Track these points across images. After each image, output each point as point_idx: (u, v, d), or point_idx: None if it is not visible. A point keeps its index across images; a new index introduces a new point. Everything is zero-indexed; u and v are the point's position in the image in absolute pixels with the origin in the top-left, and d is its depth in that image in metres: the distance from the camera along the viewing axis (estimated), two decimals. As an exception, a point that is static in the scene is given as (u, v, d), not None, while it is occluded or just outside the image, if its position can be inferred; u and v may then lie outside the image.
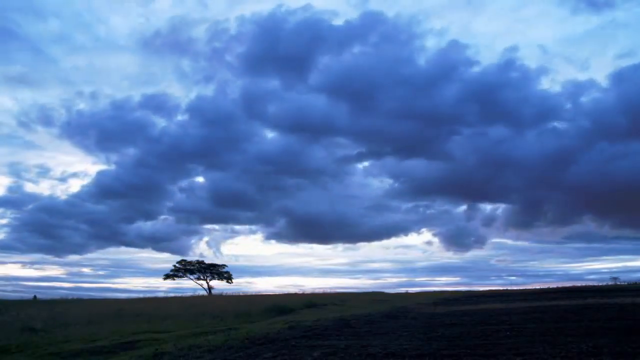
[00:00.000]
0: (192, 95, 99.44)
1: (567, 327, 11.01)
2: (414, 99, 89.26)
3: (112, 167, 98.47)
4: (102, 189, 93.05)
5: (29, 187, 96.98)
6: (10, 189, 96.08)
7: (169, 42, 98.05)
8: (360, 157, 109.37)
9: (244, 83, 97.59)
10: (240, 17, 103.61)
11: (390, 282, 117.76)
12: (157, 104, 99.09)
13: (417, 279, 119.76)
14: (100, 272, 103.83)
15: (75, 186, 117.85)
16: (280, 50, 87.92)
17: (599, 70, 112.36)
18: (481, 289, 61.60)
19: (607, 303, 19.29)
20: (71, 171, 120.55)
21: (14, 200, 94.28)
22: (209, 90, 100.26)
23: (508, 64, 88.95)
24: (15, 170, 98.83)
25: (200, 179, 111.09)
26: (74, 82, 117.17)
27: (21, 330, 15.03)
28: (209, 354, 9.08)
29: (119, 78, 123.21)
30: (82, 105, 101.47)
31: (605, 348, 7.64)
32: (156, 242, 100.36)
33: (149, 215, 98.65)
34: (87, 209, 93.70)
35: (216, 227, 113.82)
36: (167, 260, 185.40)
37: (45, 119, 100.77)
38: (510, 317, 14.61)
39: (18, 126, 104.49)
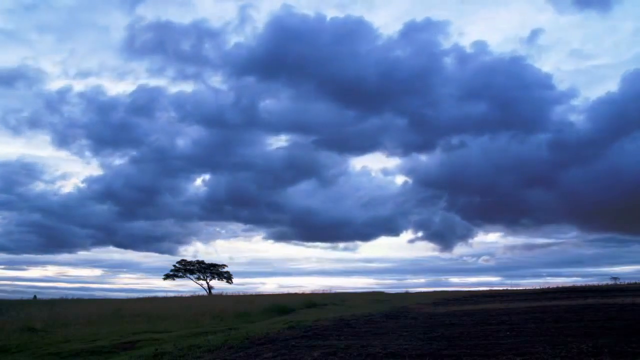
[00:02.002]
0: (187, 95, 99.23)
1: (567, 327, 11.01)
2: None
3: (109, 168, 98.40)
4: (98, 190, 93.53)
5: (22, 189, 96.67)
6: (2, 190, 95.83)
7: (161, 43, 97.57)
8: (360, 155, 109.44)
9: (242, 83, 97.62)
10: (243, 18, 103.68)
11: (388, 283, 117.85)
12: (153, 105, 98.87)
13: (414, 280, 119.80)
14: (99, 273, 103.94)
15: (69, 188, 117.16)
16: (280, 51, 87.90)
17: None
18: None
19: (607, 303, 19.29)
20: (67, 173, 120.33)
21: (8, 202, 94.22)
22: (204, 90, 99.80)
23: (514, 62, 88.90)
24: (6, 172, 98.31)
25: (197, 179, 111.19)
26: (67, 83, 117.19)
27: (21, 330, 15.03)
28: (209, 354, 9.08)
29: (112, 78, 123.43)
30: (73, 107, 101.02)
31: (605, 348, 7.64)
32: (154, 242, 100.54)
33: (146, 216, 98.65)
34: (83, 210, 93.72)
35: (214, 227, 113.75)
36: (166, 260, 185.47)
37: (36, 120, 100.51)
38: (510, 317, 14.61)
39: (7, 128, 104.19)
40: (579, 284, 55.20)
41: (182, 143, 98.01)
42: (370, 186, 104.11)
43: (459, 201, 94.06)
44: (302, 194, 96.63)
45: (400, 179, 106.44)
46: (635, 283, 52.52)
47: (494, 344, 8.79)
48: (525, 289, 55.80)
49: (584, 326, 11.13)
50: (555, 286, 54.64)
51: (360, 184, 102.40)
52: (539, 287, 56.41)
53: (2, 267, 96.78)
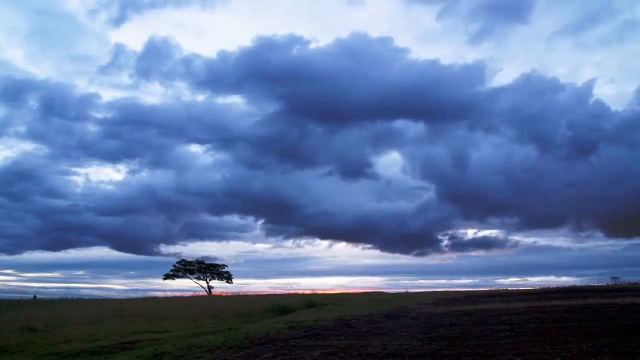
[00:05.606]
0: (183, 102, 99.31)
1: (567, 327, 11.01)
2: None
3: (106, 170, 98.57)
4: (96, 192, 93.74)
5: (21, 190, 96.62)
6: (6, 193, 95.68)
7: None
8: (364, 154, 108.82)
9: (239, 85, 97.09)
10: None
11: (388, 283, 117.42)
12: (151, 114, 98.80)
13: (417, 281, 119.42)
14: (99, 273, 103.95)
15: (67, 189, 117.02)
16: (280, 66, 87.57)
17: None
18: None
19: (607, 303, 19.30)
20: (65, 174, 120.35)
21: (7, 203, 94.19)
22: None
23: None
24: (6, 173, 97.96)
25: (198, 179, 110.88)
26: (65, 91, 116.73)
27: (21, 330, 15.03)
28: (209, 354, 9.08)
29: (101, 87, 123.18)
30: (71, 114, 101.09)
31: (605, 348, 7.65)
32: (153, 243, 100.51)
33: (145, 217, 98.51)
34: (81, 211, 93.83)
35: (213, 226, 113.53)
36: (165, 260, 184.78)
37: (36, 125, 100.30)
38: (510, 317, 14.61)
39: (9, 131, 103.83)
40: (579, 284, 55.27)
41: (181, 144, 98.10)
42: (376, 185, 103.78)
43: (462, 200, 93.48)
44: (301, 192, 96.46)
45: (406, 176, 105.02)
46: (635, 283, 52.52)
47: (494, 344, 8.79)
48: (526, 289, 55.89)
49: (584, 326, 11.13)
50: (555, 286, 54.73)
51: (363, 182, 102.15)
52: (539, 287, 56.51)
53: (2, 267, 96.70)
